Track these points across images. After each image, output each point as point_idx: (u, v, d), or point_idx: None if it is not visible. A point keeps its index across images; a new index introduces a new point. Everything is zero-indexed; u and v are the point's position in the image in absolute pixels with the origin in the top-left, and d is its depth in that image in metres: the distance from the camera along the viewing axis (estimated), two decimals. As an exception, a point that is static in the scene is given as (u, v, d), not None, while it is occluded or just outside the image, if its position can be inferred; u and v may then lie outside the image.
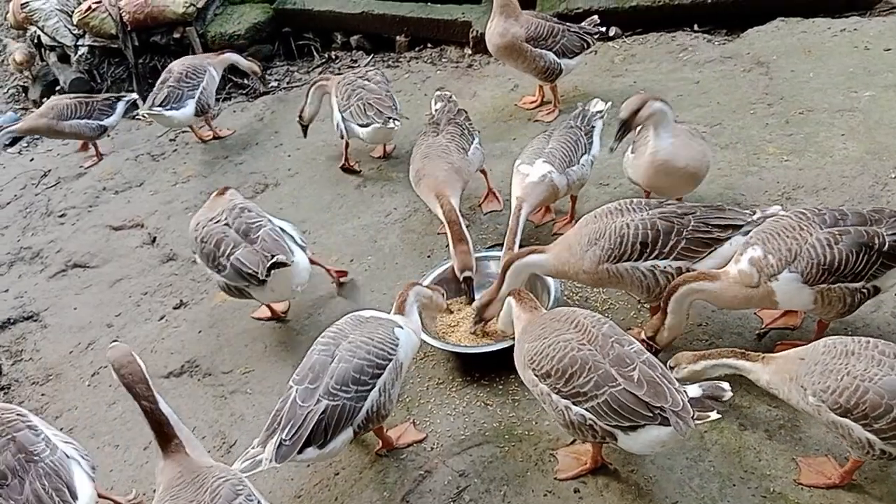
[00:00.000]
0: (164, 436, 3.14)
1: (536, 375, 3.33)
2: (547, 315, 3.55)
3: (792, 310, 4.01)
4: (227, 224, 4.55)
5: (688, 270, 3.83)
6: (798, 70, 6.16)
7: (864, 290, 3.53)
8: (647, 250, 3.84)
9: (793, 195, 4.89)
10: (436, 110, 5.55)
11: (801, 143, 5.34)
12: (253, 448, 3.39)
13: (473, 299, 4.44)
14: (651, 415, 3.03)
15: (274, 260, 4.24)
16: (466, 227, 4.68)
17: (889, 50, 6.10)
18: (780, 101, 5.85)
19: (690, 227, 3.84)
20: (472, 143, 5.25)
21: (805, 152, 5.25)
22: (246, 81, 8.36)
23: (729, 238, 3.85)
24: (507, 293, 3.95)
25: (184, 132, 7.83)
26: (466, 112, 5.54)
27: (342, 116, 6.09)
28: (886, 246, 3.44)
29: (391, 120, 5.82)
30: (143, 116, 8.09)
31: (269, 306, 4.94)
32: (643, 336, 3.82)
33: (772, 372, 3.27)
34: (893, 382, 2.91)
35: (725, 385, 3.11)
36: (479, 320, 4.21)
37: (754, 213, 3.91)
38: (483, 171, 5.41)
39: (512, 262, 4.01)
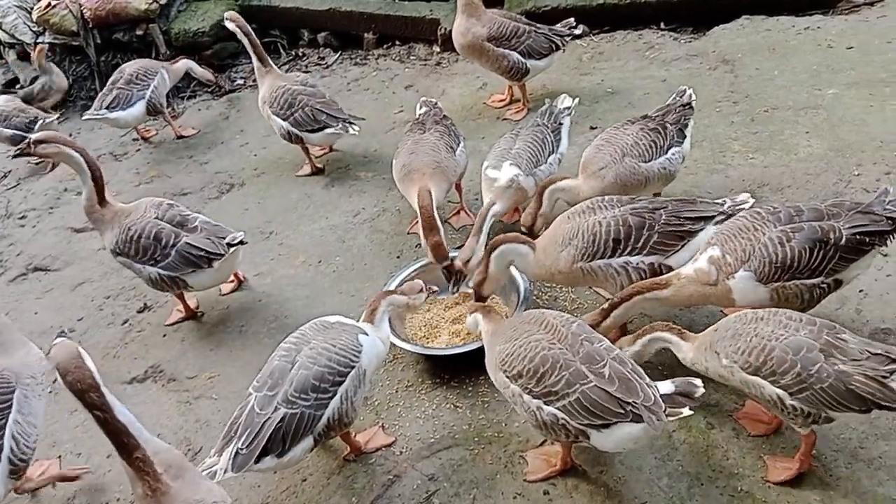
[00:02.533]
0: (126, 447, 2.81)
1: (508, 377, 3.32)
2: (516, 318, 3.53)
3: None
4: (158, 218, 4.68)
5: (660, 266, 3.87)
6: (763, 68, 6.21)
7: (824, 286, 3.56)
8: (620, 247, 3.86)
9: (758, 192, 4.92)
10: (421, 114, 5.50)
11: (766, 141, 5.39)
12: (210, 457, 3.33)
13: (457, 287, 4.48)
14: (623, 411, 3.03)
15: (238, 238, 4.56)
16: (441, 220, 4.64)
17: (852, 48, 6.17)
18: (746, 99, 5.90)
19: (662, 221, 3.88)
20: (458, 144, 5.22)
21: (770, 150, 5.30)
22: (211, 79, 8.22)
23: (701, 230, 3.90)
24: (495, 274, 4.04)
25: (147, 130, 7.69)
26: (451, 118, 5.48)
27: (286, 124, 6.01)
28: (844, 240, 3.46)
29: (350, 125, 5.86)
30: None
31: (185, 304, 5.02)
32: None
33: (694, 348, 3.39)
34: (797, 341, 3.07)
35: (697, 381, 3.13)
36: (479, 299, 4.15)
37: (724, 202, 3.97)
38: (458, 187, 5.33)
39: (498, 245, 3.99)
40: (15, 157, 4.90)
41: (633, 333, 3.60)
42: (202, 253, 4.55)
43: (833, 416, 3.09)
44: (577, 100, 5.24)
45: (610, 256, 3.87)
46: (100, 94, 7.08)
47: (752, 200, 4.03)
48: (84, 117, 7.24)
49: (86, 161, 4.62)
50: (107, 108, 6.88)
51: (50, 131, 5.16)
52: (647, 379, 3.13)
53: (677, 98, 4.82)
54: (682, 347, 3.44)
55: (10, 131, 7.19)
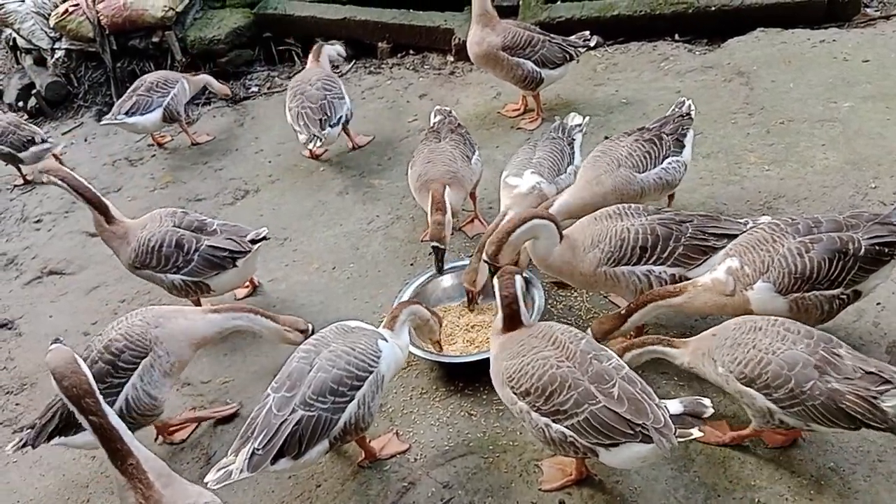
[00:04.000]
0: (118, 454, 2.82)
1: (515, 393, 3.28)
2: (524, 331, 3.45)
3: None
4: (176, 226, 4.69)
5: (682, 278, 3.87)
6: (778, 80, 6.21)
7: (844, 297, 3.55)
8: (646, 255, 3.88)
9: (774, 204, 4.92)
10: (435, 122, 5.52)
11: (782, 153, 5.38)
12: (226, 457, 3.33)
13: (441, 270, 4.63)
14: (632, 432, 3.01)
15: (262, 234, 4.64)
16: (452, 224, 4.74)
17: (867, 61, 6.17)
18: (761, 111, 5.90)
19: (688, 235, 3.89)
20: (474, 153, 5.23)
21: (786, 162, 5.29)
22: (228, 94, 8.28)
23: (724, 247, 3.88)
24: (514, 244, 3.90)
25: (162, 136, 7.73)
26: (465, 127, 5.50)
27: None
28: (863, 251, 3.46)
29: (315, 138, 6.00)
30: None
31: None
32: (590, 332, 3.80)
33: (689, 353, 3.42)
34: (794, 356, 3.10)
35: (706, 401, 3.10)
36: (495, 267, 3.91)
37: (747, 223, 3.96)
38: (472, 196, 5.32)
39: (532, 218, 3.88)
40: (17, 185, 4.96)
41: (622, 344, 3.61)
42: (226, 253, 4.59)
43: (818, 430, 3.15)
44: (587, 118, 5.25)
45: (635, 264, 3.88)
46: (119, 100, 7.17)
47: (766, 222, 4.01)
48: (102, 122, 7.30)
49: (81, 194, 4.68)
50: (125, 113, 6.95)
51: (52, 163, 5.28)
52: (657, 399, 3.11)
53: (676, 109, 4.83)
54: (676, 355, 3.48)
55: (5, 149, 7.13)
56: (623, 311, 3.76)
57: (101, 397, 2.83)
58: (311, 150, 6.57)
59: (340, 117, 6.24)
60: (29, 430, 3.84)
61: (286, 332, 4.09)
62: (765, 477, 3.40)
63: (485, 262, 4.05)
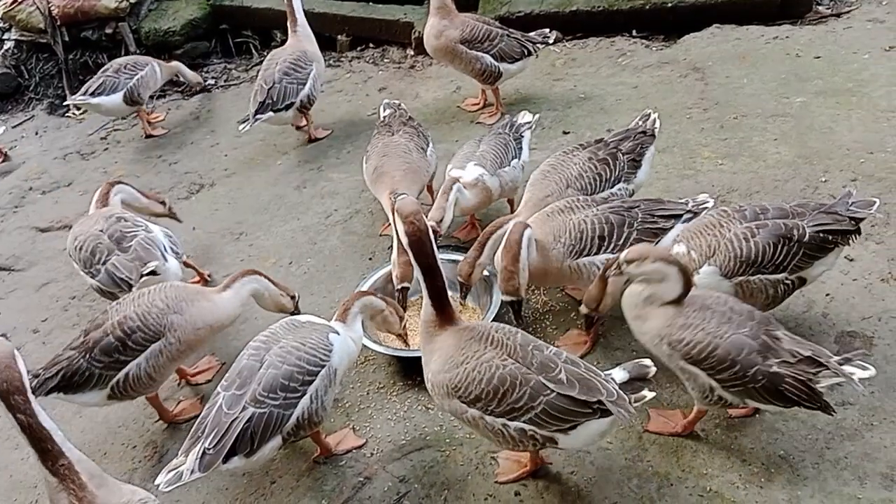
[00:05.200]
0: (49, 455, 2.75)
1: (465, 402, 3.20)
2: (453, 338, 3.29)
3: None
4: (101, 231, 4.57)
5: None
6: (732, 76, 6.30)
7: (788, 282, 3.64)
8: (604, 244, 3.92)
9: (727, 198, 4.98)
10: (386, 115, 5.48)
11: (736, 148, 5.46)
12: (177, 458, 3.27)
13: (405, 308, 4.32)
14: (591, 410, 3.05)
15: (148, 269, 4.33)
16: None
17: (819, 57, 6.28)
18: (716, 106, 5.97)
19: (640, 220, 3.96)
20: (428, 145, 5.21)
21: (739, 156, 5.36)
22: (181, 79, 8.13)
23: (671, 227, 3.99)
24: (485, 262, 4.05)
25: (116, 129, 7.59)
26: (417, 120, 5.47)
27: None
28: (807, 237, 3.56)
29: (247, 122, 6.05)
30: (73, 112, 7.83)
31: None
32: (583, 310, 3.87)
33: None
34: (739, 341, 3.18)
35: (647, 361, 3.21)
36: (466, 289, 4.21)
37: (688, 202, 4.08)
38: (430, 189, 5.28)
39: (498, 230, 4.00)
40: None
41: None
42: (123, 276, 4.37)
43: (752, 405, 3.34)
44: (537, 116, 5.25)
45: (595, 254, 3.92)
46: (89, 81, 6.96)
47: (711, 200, 4.13)
48: (67, 101, 7.24)
49: None
50: (90, 93, 6.77)
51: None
52: (602, 374, 3.15)
53: (640, 122, 4.72)
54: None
55: None
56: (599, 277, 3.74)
57: (32, 396, 2.75)
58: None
59: (291, 103, 6.18)
60: (33, 378, 3.76)
61: (281, 297, 4.19)
62: (716, 465, 3.45)
63: (459, 281, 4.17)
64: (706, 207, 4.07)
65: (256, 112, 6.07)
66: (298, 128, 6.79)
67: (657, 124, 4.69)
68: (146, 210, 5.13)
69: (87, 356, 3.78)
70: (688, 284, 3.31)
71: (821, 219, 3.61)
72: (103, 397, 3.88)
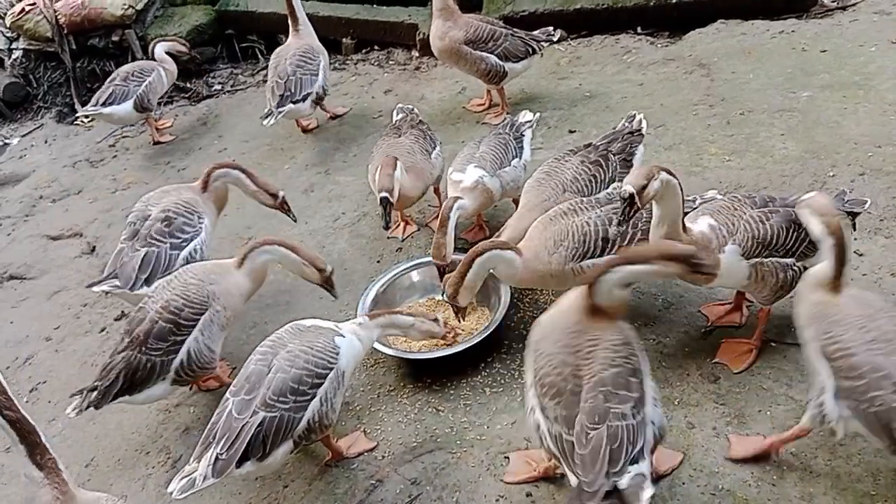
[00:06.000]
0: (38, 447, 2.80)
1: None
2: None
3: (734, 309, 4.15)
4: (131, 222, 4.68)
5: None
6: (738, 71, 6.28)
7: (795, 269, 3.66)
8: (608, 245, 3.91)
9: (735, 194, 4.96)
10: (397, 119, 5.51)
11: (743, 143, 5.44)
12: (189, 464, 3.29)
13: (388, 224, 4.66)
14: None
15: (102, 289, 4.51)
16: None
17: (825, 51, 6.25)
18: (722, 102, 5.96)
19: (644, 219, 3.91)
20: (434, 147, 5.22)
21: (746, 152, 5.35)
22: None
23: None
24: (472, 282, 3.88)
25: (124, 136, 7.64)
26: (427, 123, 5.49)
27: None
28: None
29: (270, 116, 6.11)
30: (82, 121, 7.88)
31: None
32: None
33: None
34: (881, 363, 2.96)
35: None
36: (457, 311, 4.03)
37: (695, 199, 4.08)
38: (437, 191, 5.31)
39: (482, 252, 3.86)
40: None
41: None
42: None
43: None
44: (538, 115, 5.26)
45: (599, 255, 3.91)
46: (98, 91, 7.03)
47: (720, 197, 4.10)
48: (79, 113, 7.27)
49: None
50: (101, 103, 6.85)
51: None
52: None
53: (626, 123, 4.74)
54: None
55: None
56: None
57: (12, 394, 2.81)
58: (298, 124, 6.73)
59: (308, 93, 6.26)
60: (90, 393, 3.85)
61: (304, 266, 4.16)
62: (728, 463, 3.43)
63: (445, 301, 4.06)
64: None
65: (279, 105, 6.15)
66: (305, 130, 6.82)
67: (643, 124, 4.73)
68: (255, 197, 4.89)
69: (142, 349, 3.85)
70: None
71: None
72: (167, 385, 3.98)
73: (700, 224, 3.69)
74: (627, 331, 3.14)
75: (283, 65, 6.33)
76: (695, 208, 3.98)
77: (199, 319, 3.93)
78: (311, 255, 4.19)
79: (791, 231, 3.62)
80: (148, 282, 4.40)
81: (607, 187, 4.43)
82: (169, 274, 4.25)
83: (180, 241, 4.56)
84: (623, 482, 2.78)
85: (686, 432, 3.61)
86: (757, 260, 3.62)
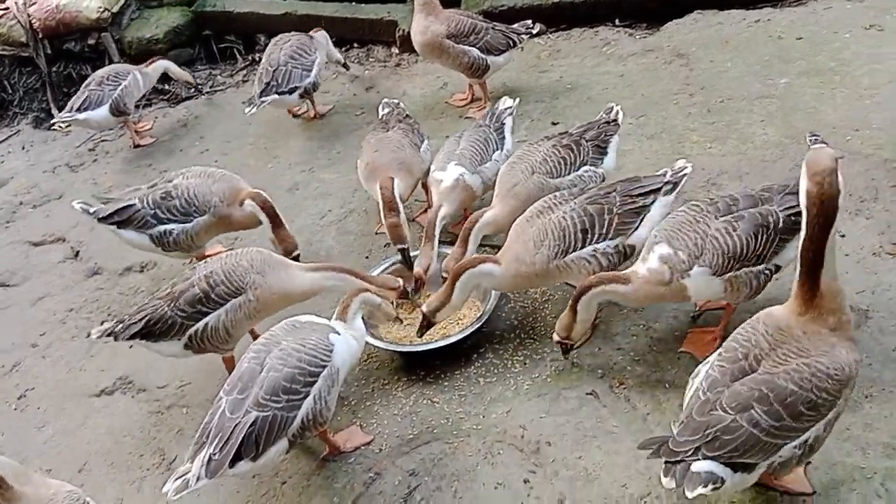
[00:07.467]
0: None
1: None
2: None
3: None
4: (147, 190, 5.01)
5: (625, 247, 3.98)
6: (716, 60, 6.35)
7: (768, 271, 3.64)
8: (588, 236, 3.93)
9: (717, 181, 5.03)
10: (384, 114, 5.53)
11: (723, 131, 5.51)
12: (183, 465, 3.28)
13: (412, 267, 4.54)
14: None
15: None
16: (405, 211, 4.71)
17: (801, 39, 6.34)
18: (701, 91, 6.02)
19: (618, 203, 3.98)
20: (422, 142, 5.23)
21: (727, 139, 5.42)
22: (167, 87, 8.11)
23: (653, 202, 4.04)
24: (457, 301, 3.98)
25: (103, 140, 7.56)
26: (413, 117, 5.51)
27: None
28: (781, 223, 3.55)
29: (251, 104, 6.14)
30: (60, 126, 7.79)
31: None
32: (556, 337, 3.86)
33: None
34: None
35: None
36: (427, 325, 4.07)
37: (666, 172, 4.12)
38: (425, 186, 5.26)
39: (464, 271, 3.94)
40: None
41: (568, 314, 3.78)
42: None
43: None
44: (517, 100, 5.30)
45: (581, 248, 3.94)
46: (73, 97, 6.93)
47: (689, 166, 4.18)
48: (54, 120, 7.16)
49: None
50: (77, 109, 6.76)
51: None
52: None
53: (604, 115, 4.82)
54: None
55: None
56: (570, 303, 3.73)
57: None
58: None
59: (295, 88, 6.25)
60: (118, 323, 4.07)
61: (384, 307, 4.11)
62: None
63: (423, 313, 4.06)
64: (685, 175, 4.14)
65: (262, 93, 6.15)
66: (295, 116, 6.83)
67: (620, 115, 4.80)
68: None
69: (172, 305, 3.99)
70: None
71: (789, 201, 3.57)
72: (180, 347, 4.09)
73: (650, 261, 3.65)
74: (851, 365, 2.84)
75: (276, 53, 6.34)
76: (661, 190, 4.05)
77: (228, 301, 4.01)
78: (382, 279, 4.29)
79: (760, 236, 3.53)
80: None
81: (577, 170, 4.50)
82: None
83: None
84: (696, 466, 2.78)
85: (678, 413, 3.64)
86: (731, 274, 3.56)
